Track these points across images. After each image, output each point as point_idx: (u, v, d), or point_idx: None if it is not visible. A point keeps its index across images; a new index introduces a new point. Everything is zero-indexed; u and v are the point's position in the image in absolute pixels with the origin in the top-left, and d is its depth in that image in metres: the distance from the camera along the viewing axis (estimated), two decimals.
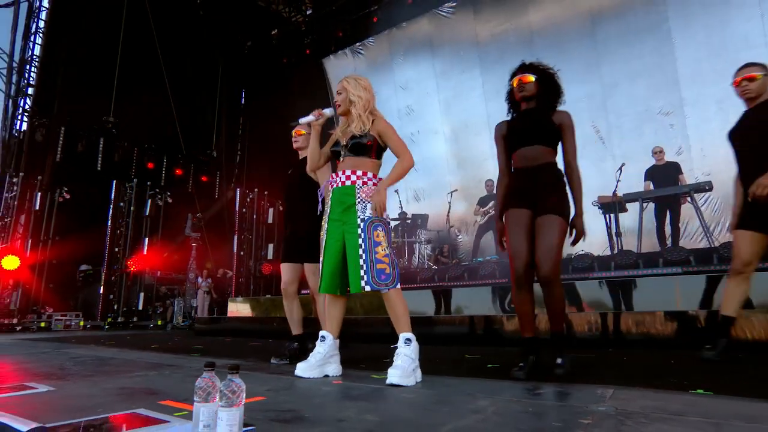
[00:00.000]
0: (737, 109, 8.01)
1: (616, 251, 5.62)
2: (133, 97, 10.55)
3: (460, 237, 8.23)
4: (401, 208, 8.19)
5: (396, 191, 8.03)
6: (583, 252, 5.52)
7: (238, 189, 10.54)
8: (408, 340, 2.18)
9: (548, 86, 2.42)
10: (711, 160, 7.38)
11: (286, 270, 3.19)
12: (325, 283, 2.39)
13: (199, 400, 1.23)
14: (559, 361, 2.14)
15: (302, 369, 2.30)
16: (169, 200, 10.09)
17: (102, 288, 8.86)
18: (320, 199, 2.70)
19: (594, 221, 7.08)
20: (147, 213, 9.54)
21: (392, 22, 10.68)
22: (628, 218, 6.73)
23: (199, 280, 10.39)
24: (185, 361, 3.21)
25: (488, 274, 5.37)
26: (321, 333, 2.40)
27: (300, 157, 3.39)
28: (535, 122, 2.39)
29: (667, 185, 5.66)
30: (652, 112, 7.93)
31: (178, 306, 9.32)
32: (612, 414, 1.30)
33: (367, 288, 2.23)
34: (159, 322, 9.22)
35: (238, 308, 7.13)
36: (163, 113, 11.39)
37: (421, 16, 10.45)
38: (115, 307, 8.94)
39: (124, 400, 1.77)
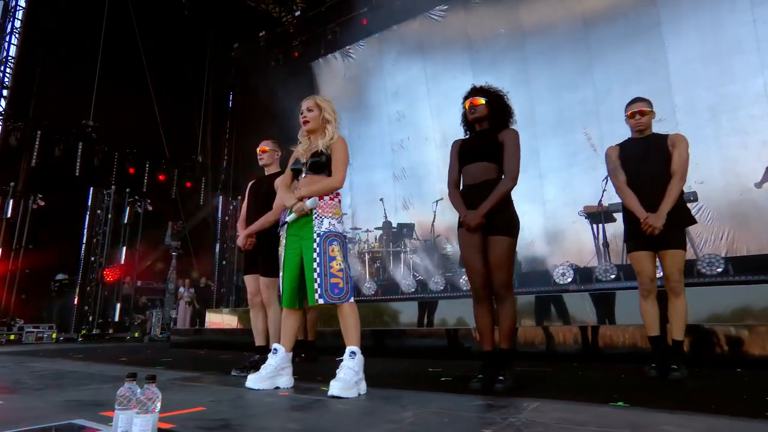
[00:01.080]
0: (730, 115, 8.09)
1: (603, 262, 5.74)
2: (114, 100, 10.66)
3: (448, 247, 8.36)
4: (386, 217, 8.32)
5: (381, 200, 8.17)
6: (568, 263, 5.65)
7: (221, 196, 10.68)
8: (353, 353, 2.33)
9: (498, 107, 2.66)
10: (704, 168, 7.53)
11: (250, 281, 3.40)
12: (286, 298, 2.54)
13: (119, 408, 1.35)
14: (501, 377, 2.28)
15: (252, 381, 2.45)
16: (149, 207, 10.21)
17: (76, 299, 8.94)
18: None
19: (581, 232, 7.23)
20: (126, 221, 9.64)
21: (382, 24, 10.90)
22: (619, 228, 6.89)
23: (181, 290, 10.49)
24: (144, 374, 3.31)
25: (465, 288, 5.49)
26: (273, 345, 2.55)
27: (266, 173, 3.58)
28: (482, 141, 2.63)
29: None
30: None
31: (156, 317, 9.41)
32: (516, 424, 1.43)
33: (321, 301, 2.39)
34: (136, 334, 9.31)
35: (217, 319, 7.25)
36: (146, 116, 11.46)
37: (412, 19, 10.67)
38: (90, 318, 9.02)
39: (66, 412, 1.89)
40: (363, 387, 2.30)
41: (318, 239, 2.45)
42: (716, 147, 7.49)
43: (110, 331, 9.23)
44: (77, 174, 10.22)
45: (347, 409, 1.85)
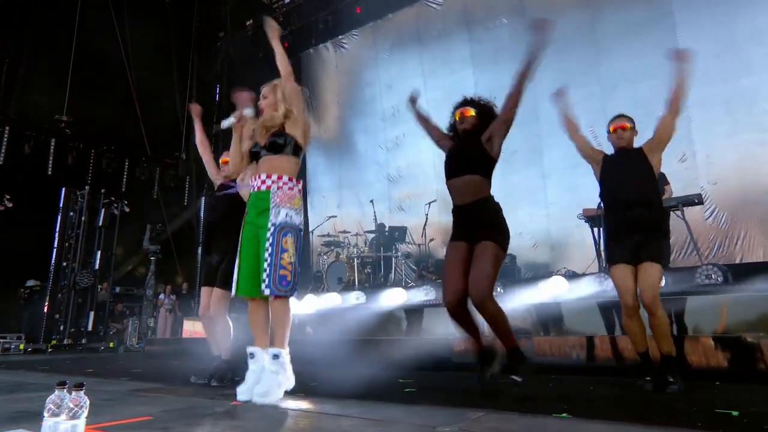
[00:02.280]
0: (746, 110, 8.12)
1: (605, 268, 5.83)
2: (91, 93, 10.73)
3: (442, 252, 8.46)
4: (376, 219, 8.41)
5: (371, 201, 8.27)
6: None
7: (203, 197, 10.78)
8: (275, 356, 2.49)
9: (488, 119, 2.93)
10: (718, 168, 7.61)
11: (206, 294, 3.61)
12: (242, 285, 2.67)
13: (47, 415, 1.45)
14: (513, 377, 2.47)
15: (242, 392, 2.53)
16: (126, 209, 10.32)
17: (46, 307, 9.06)
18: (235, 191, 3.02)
19: (581, 236, 7.29)
20: (100, 223, 9.75)
21: (377, 13, 11.01)
22: None
23: (161, 296, 10.60)
24: (106, 385, 3.43)
25: None
26: (249, 350, 2.64)
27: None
28: (469, 147, 2.86)
29: None
30: (654, 116, 8.09)
31: (132, 326, 9.53)
32: None
33: (267, 291, 2.54)
34: (111, 345, 9.42)
35: (195, 328, 7.34)
36: (125, 111, 11.55)
37: (408, 7, 10.77)
38: (62, 328, 9.14)
39: (7, 422, 2.00)
40: (290, 384, 2.51)
41: (273, 228, 2.61)
42: (731, 144, 7.55)
43: (83, 341, 9.33)
44: (50, 173, 10.33)
45: (289, 415, 1.96)
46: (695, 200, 5.42)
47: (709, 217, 7.61)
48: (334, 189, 11.71)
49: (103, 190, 10.06)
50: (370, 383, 3.08)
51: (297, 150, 2.79)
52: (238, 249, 2.73)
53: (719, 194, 7.60)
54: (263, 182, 2.70)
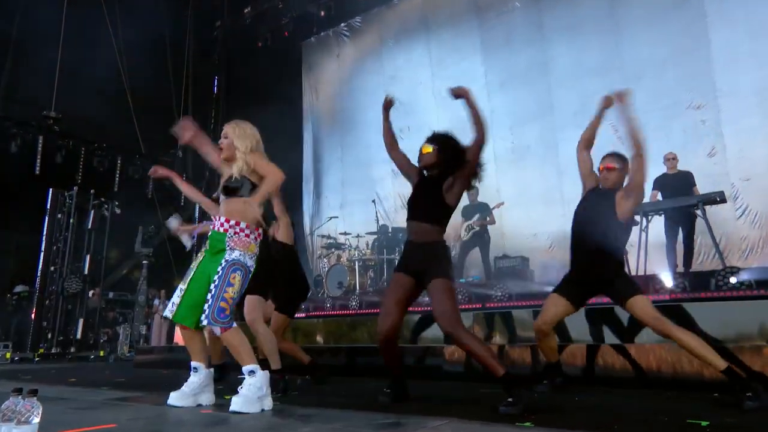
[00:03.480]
0: None
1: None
2: (81, 87, 10.90)
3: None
4: (378, 220, 8.50)
5: (373, 201, 8.38)
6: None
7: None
8: (252, 372, 2.74)
9: (449, 157, 3.04)
10: (749, 163, 7.57)
11: None
12: (182, 312, 2.91)
13: (1, 421, 1.59)
14: (509, 399, 2.53)
15: (174, 398, 2.83)
16: (117, 210, 10.55)
17: (34, 313, 9.31)
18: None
19: None
20: (90, 226, 9.99)
21: None
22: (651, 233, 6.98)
23: (156, 302, 10.81)
24: (84, 395, 3.59)
25: (460, 300, 5.65)
26: (193, 364, 2.95)
27: None
28: (427, 195, 3.05)
29: (677, 197, 5.87)
30: (680, 107, 8.16)
31: (124, 334, 9.76)
32: None
33: (205, 322, 2.79)
34: (101, 353, 9.66)
35: None
36: (118, 106, 11.73)
37: None
38: (50, 335, 9.39)
39: None
40: (268, 403, 2.72)
41: (224, 264, 2.88)
42: (763, 137, 7.50)
43: (72, 350, 9.58)
44: (37, 172, 10.57)
45: (250, 424, 2.16)
46: (717, 198, 5.42)
47: (740, 216, 7.58)
48: (337, 187, 11.84)
49: (92, 191, 10.26)
50: (348, 391, 3.21)
51: (254, 192, 3.00)
52: (188, 276, 2.99)
53: (752, 191, 7.56)
54: (221, 225, 2.97)
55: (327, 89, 12.42)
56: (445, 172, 3.03)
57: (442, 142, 3.07)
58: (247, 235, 2.94)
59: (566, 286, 3.34)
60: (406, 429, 1.79)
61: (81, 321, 9.68)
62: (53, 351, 9.38)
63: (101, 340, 10.09)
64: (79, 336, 9.66)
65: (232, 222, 2.94)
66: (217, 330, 2.78)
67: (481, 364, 2.70)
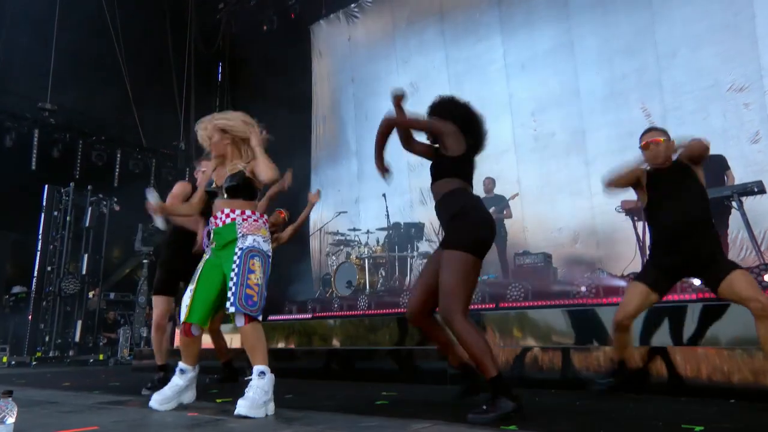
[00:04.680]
0: None
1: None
2: (77, 78, 11.13)
3: None
4: (388, 215, 8.54)
5: (384, 195, 8.41)
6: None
7: None
8: (262, 373, 2.80)
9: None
10: None
11: (161, 302, 4.35)
12: (197, 313, 3.00)
13: None
14: (484, 407, 2.53)
15: (157, 400, 2.96)
16: (116, 207, 10.77)
17: (30, 316, 9.59)
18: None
19: (621, 230, 7.25)
20: (87, 223, 10.23)
21: None
22: None
23: None
24: (74, 399, 3.75)
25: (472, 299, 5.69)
26: (180, 366, 3.09)
27: None
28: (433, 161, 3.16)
29: (709, 186, 5.80)
30: (720, 88, 8.04)
31: (124, 337, 9.98)
32: None
33: (232, 309, 2.86)
34: (101, 357, 9.92)
35: None
36: (117, 96, 11.97)
37: None
38: (47, 338, 9.66)
39: None
40: (271, 408, 2.77)
41: (240, 252, 2.97)
42: None
43: (71, 353, 9.85)
44: (33, 168, 10.85)
45: (231, 426, 2.21)
46: (755, 189, 5.36)
47: None
48: (352, 181, 11.91)
49: (89, 187, 10.49)
50: (344, 396, 3.31)
51: (254, 193, 3.22)
52: (196, 275, 3.07)
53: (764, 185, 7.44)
54: (227, 216, 3.06)
55: (337, 74, 12.49)
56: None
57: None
58: (255, 220, 3.07)
59: (650, 274, 3.33)
60: (382, 429, 1.87)
61: (79, 323, 9.93)
62: (51, 354, 9.65)
63: (101, 343, 10.34)
64: (77, 339, 9.91)
65: (238, 211, 3.07)
66: (241, 320, 2.85)
67: (474, 360, 2.67)
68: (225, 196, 3.11)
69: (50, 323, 9.78)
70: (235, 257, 2.94)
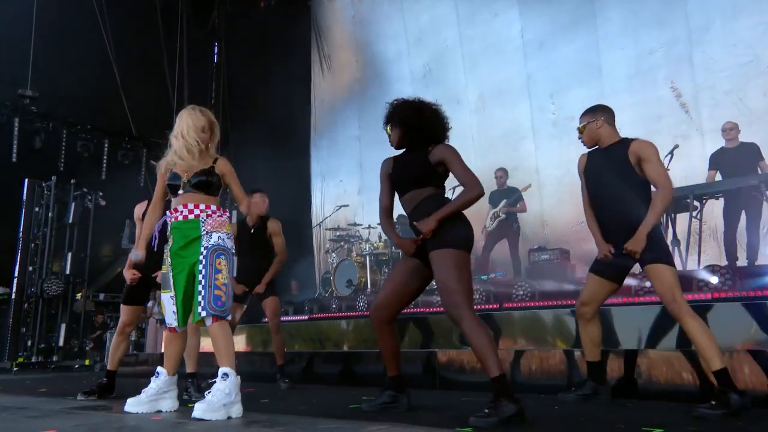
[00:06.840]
0: None
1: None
2: (60, 62, 11.26)
3: None
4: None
5: None
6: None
7: None
8: (225, 374, 3.03)
9: (412, 132, 3.41)
10: None
11: (130, 312, 4.65)
12: (186, 316, 3.29)
13: None
14: (486, 410, 2.68)
15: (131, 404, 3.20)
16: (102, 202, 10.97)
17: (11, 319, 9.82)
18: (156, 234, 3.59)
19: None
20: (71, 220, 10.46)
21: None
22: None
23: (150, 303, 11.21)
24: (47, 404, 3.96)
25: (476, 300, 5.79)
26: (157, 369, 3.32)
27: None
28: (413, 164, 3.33)
29: (740, 175, 5.85)
30: (760, 64, 7.99)
31: (111, 340, 10.20)
32: None
33: (203, 314, 3.13)
34: (86, 362, 10.17)
35: None
36: (104, 81, 12.11)
37: None
38: (29, 343, 9.92)
39: None
40: (236, 410, 2.99)
41: (205, 252, 3.22)
42: None
43: (54, 358, 10.10)
44: (14, 159, 11.06)
45: (191, 429, 2.39)
46: None
47: None
48: (354, 171, 12.04)
49: (72, 181, 10.68)
50: (323, 401, 3.45)
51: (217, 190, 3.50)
52: (169, 280, 3.31)
53: None
54: (190, 211, 3.31)
55: (340, 55, 12.59)
56: (420, 147, 3.45)
57: (396, 116, 3.54)
58: (219, 216, 3.34)
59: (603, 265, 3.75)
60: None
61: (64, 327, 10.16)
62: (34, 360, 9.90)
63: (87, 348, 10.58)
64: (62, 343, 10.15)
65: (202, 206, 3.33)
66: (209, 321, 3.12)
67: (478, 357, 2.84)
68: (189, 190, 3.34)
69: (32, 327, 10.03)
70: (201, 257, 3.21)
